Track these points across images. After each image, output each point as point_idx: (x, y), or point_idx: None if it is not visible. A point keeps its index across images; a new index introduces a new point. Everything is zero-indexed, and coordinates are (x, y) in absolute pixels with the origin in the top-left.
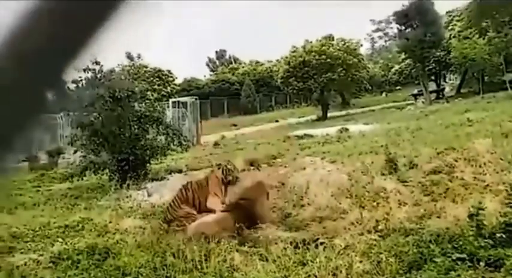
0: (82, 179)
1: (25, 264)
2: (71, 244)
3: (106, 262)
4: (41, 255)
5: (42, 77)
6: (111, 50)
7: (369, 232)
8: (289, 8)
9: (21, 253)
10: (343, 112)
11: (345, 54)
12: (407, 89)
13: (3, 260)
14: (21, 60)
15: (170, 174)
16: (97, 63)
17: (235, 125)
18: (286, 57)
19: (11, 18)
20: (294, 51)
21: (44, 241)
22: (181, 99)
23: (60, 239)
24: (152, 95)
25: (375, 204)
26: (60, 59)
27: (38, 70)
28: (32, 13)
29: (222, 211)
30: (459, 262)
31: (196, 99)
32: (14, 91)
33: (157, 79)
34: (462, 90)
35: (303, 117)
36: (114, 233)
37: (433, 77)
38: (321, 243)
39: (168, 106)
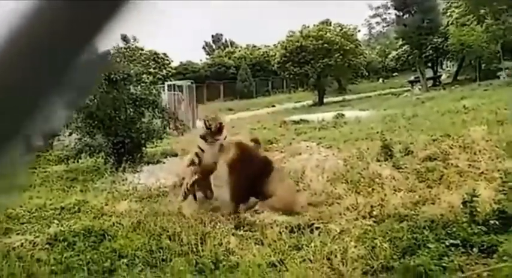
0: (77, 161)
1: (21, 245)
2: (67, 226)
3: (102, 244)
4: (37, 237)
5: (45, 76)
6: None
7: (364, 217)
8: None
9: (18, 234)
10: (340, 98)
11: (342, 40)
12: (404, 76)
13: (0, 241)
14: (24, 60)
15: (166, 157)
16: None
17: (231, 109)
18: (283, 42)
19: (11, 17)
20: (290, 36)
21: (40, 222)
22: (177, 83)
23: (56, 221)
24: (148, 78)
25: (370, 189)
26: (64, 59)
27: (41, 70)
28: (35, 12)
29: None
30: (452, 248)
31: (192, 82)
32: (19, 89)
33: (153, 62)
34: (459, 77)
35: (299, 102)
36: (110, 216)
37: (430, 64)
38: (316, 228)
39: (164, 90)
